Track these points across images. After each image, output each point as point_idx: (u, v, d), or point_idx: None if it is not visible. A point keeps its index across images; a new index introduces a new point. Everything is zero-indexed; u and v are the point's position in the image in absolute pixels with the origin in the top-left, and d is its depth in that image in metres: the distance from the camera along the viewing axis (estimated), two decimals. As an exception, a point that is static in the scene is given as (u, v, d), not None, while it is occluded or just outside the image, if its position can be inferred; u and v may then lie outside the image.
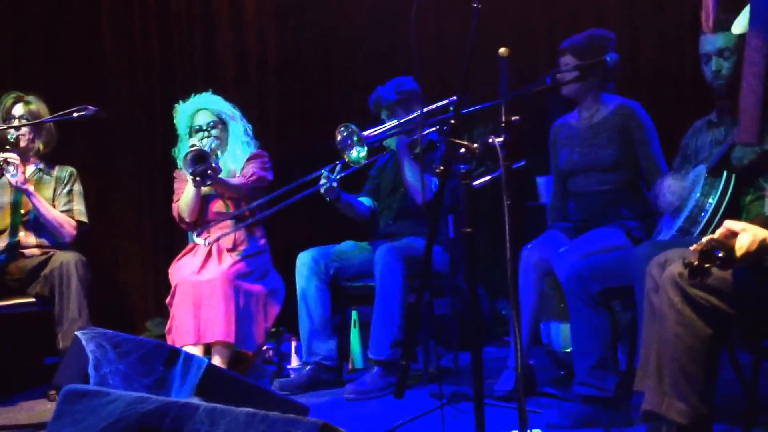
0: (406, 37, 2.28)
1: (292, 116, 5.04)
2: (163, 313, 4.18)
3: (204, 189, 3.69)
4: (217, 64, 4.98)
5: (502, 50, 2.09)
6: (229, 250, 3.71)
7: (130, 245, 4.94)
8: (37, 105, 3.86)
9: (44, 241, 3.83)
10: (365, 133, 3.17)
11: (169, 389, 2.01)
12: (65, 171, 3.97)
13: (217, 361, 3.44)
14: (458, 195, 2.58)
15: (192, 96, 3.84)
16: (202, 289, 3.49)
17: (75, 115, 3.39)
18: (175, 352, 2.07)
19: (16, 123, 3.78)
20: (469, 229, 2.01)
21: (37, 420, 3.29)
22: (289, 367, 4.06)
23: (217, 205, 3.81)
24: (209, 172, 3.50)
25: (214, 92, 3.87)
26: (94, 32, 4.90)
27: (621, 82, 3.40)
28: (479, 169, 3.30)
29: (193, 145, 3.58)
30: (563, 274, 2.95)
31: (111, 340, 2.04)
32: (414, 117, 3.42)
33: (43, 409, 3.50)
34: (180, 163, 3.72)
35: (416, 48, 2.24)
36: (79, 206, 3.93)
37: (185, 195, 3.72)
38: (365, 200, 3.91)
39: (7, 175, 3.67)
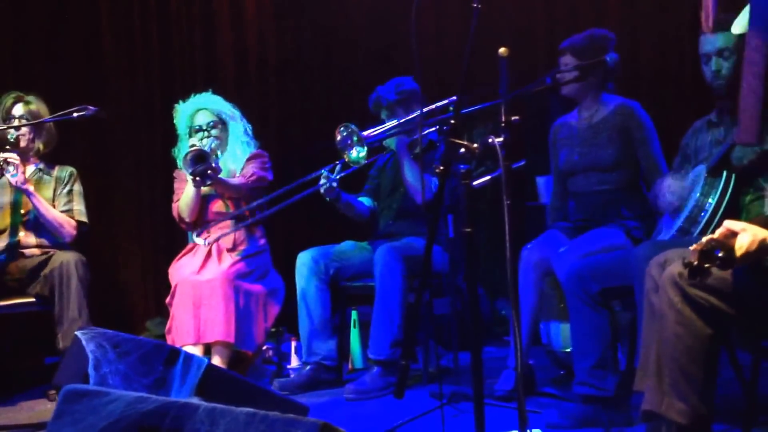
0: (406, 37, 2.27)
1: (292, 116, 5.04)
2: (163, 313, 4.18)
3: (204, 189, 3.69)
4: (217, 64, 4.98)
5: (502, 50, 2.09)
6: (229, 250, 3.70)
7: (130, 245, 4.94)
8: (37, 105, 3.86)
9: (44, 241, 3.83)
10: (365, 133, 3.17)
11: (169, 389, 2.01)
12: (65, 171, 3.97)
13: (217, 361, 3.43)
14: (458, 195, 2.58)
15: (192, 96, 3.83)
16: (201, 289, 3.49)
17: (75, 115, 3.39)
18: (175, 352, 2.06)
19: (16, 123, 3.78)
20: (468, 229, 2.01)
21: (37, 420, 3.29)
22: (289, 367, 4.06)
23: (217, 205, 3.81)
24: (209, 172, 3.49)
25: (214, 92, 3.86)
26: (94, 32, 4.90)
27: (621, 82, 3.40)
28: (479, 169, 3.31)
29: (193, 145, 3.58)
30: (563, 274, 2.95)
31: (111, 340, 2.04)
32: (414, 117, 3.42)
33: (43, 409, 3.50)
34: (180, 163, 3.71)
35: (416, 48, 2.24)
36: (79, 206, 3.92)
37: (185, 195, 3.72)
38: (365, 200, 3.91)
39: (7, 175, 3.66)
